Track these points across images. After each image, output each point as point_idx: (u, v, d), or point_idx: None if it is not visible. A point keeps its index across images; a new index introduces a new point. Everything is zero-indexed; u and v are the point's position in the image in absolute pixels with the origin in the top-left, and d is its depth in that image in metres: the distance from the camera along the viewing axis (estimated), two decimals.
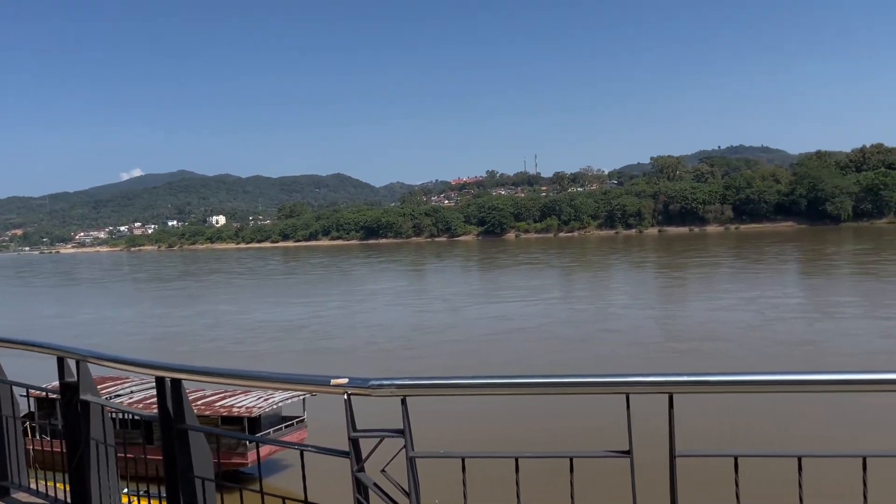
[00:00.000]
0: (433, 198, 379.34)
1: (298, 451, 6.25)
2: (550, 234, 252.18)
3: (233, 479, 31.07)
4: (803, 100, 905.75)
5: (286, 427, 34.39)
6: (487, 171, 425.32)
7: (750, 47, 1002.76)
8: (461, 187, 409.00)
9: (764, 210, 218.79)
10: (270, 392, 33.85)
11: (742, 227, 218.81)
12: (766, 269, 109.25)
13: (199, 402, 32.58)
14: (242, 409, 32.39)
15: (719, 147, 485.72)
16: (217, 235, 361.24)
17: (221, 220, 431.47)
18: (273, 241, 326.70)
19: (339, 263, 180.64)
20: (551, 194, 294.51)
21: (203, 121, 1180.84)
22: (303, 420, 34.85)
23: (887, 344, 50.53)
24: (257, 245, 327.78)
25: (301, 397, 34.11)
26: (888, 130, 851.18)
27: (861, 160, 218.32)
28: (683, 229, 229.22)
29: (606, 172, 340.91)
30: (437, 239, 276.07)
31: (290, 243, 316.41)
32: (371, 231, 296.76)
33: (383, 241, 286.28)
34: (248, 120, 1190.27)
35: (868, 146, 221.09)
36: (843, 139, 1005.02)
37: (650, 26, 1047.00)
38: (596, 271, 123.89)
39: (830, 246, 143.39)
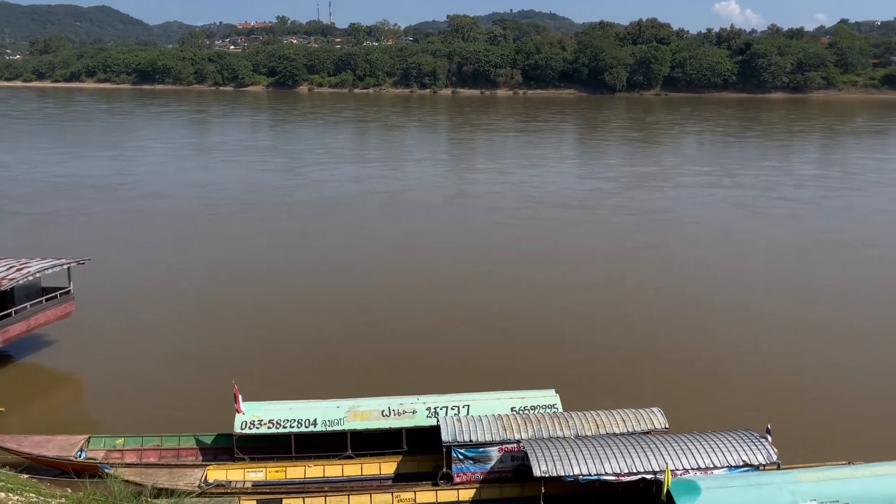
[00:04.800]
0: (217, 42, 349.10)
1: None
2: (345, 90, 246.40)
3: None
4: None
5: (48, 300, 31.31)
6: (278, 17, 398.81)
7: None
8: (249, 32, 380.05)
9: (550, 76, 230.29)
10: (25, 260, 31.43)
11: (529, 92, 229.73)
12: (597, 137, 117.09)
13: None
14: None
15: (511, 10, 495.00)
16: None
17: None
18: (25, 80, 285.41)
19: (136, 111, 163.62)
20: (346, 47, 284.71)
21: None
22: (68, 292, 32.17)
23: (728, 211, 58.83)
24: (6, 83, 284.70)
25: (65, 266, 31.74)
26: (662, 6, 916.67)
27: (637, 33, 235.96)
28: (476, 92, 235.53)
29: (403, 28, 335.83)
30: (221, 88, 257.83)
31: (47, 83, 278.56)
32: (145, 75, 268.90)
33: (160, 86, 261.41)
34: None
35: (644, 20, 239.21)
36: (622, 12, 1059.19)
37: None
38: (431, 133, 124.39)
39: (648, 115, 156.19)
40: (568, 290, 39.23)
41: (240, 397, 22.60)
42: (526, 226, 53.92)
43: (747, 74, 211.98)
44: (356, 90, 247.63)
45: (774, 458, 20.48)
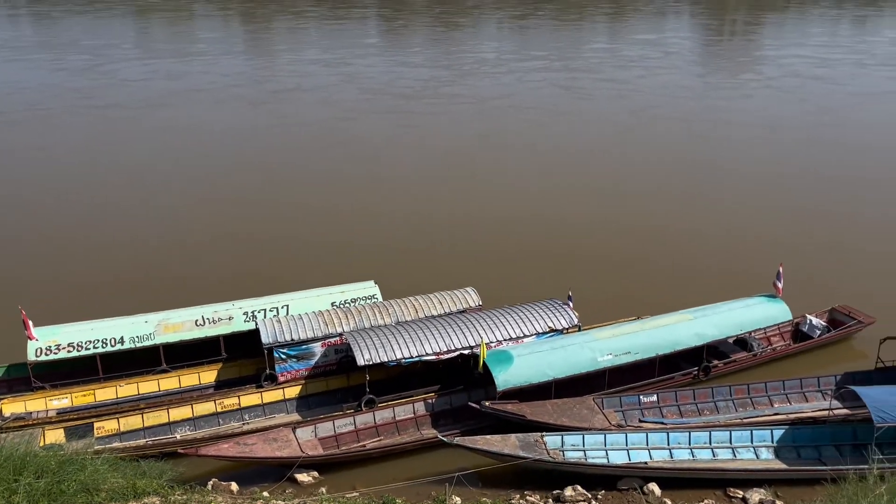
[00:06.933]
0: None
1: None
2: None
3: None
4: None
5: None
6: None
7: None
8: None
9: None
10: None
11: None
12: (422, 24, 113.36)
13: None
14: None
15: None
16: None
17: None
18: None
19: None
20: None
21: None
22: None
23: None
24: None
25: None
26: None
27: None
28: None
29: None
30: None
31: None
32: None
33: None
34: None
35: None
36: None
37: None
38: (239, 23, 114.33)
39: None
40: (395, 185, 39.02)
41: (30, 323, 20.60)
42: (363, 120, 52.53)
43: None
44: None
45: (576, 321, 22.34)
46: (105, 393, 21.20)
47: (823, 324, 24.81)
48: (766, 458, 18.76)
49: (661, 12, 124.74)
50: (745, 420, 20.38)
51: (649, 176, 40.39)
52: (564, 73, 69.69)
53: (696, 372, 22.46)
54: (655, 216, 34.93)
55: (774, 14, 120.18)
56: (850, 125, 50.92)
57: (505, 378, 19.72)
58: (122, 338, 21.32)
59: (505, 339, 21.42)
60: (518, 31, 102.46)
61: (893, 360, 22.25)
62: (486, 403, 19.55)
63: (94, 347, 21.07)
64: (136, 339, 21.44)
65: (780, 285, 23.37)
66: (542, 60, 75.75)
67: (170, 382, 21.88)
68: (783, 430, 19.25)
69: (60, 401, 20.72)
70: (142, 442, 19.14)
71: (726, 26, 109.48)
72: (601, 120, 52.22)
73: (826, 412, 20.26)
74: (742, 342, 23.92)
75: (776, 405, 21.37)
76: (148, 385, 21.64)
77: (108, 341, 21.18)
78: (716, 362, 22.92)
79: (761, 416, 20.69)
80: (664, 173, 40.92)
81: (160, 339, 21.64)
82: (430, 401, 20.91)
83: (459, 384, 21.39)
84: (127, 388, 21.43)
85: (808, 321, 24.82)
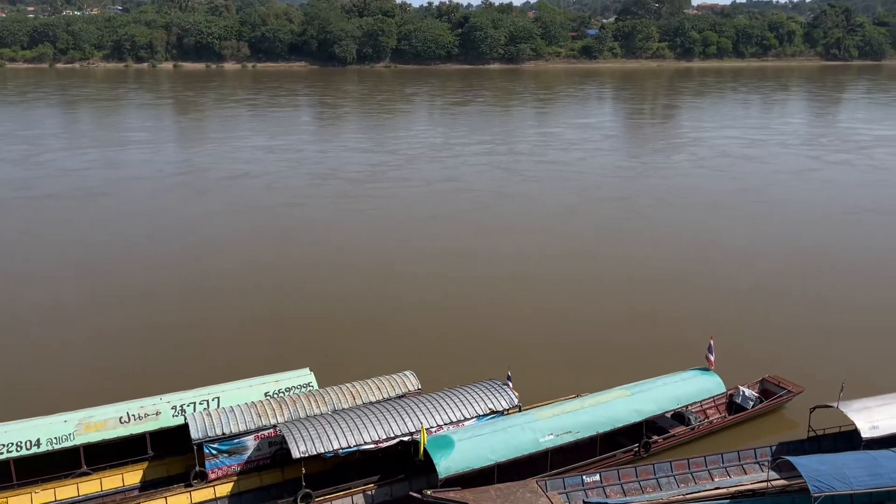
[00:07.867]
0: None
1: None
2: (45, 65, 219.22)
3: None
4: None
5: None
6: None
7: None
8: None
9: (279, 49, 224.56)
10: None
11: (259, 65, 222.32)
12: (365, 111, 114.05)
13: None
14: None
15: None
16: None
17: None
18: None
19: None
20: (42, 17, 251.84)
21: None
22: None
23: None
24: None
25: None
26: None
27: (363, 6, 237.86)
28: (200, 65, 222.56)
29: None
30: None
31: None
32: None
33: None
34: None
35: None
36: None
37: None
38: (179, 110, 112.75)
39: (404, 87, 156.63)
40: (334, 269, 38.63)
41: None
42: (308, 205, 52.35)
43: (468, 46, 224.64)
44: (59, 65, 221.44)
45: (516, 401, 22.16)
46: (18, 501, 19.69)
47: (756, 394, 25.33)
48: None
49: (589, 97, 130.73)
50: (687, 496, 20.30)
51: (584, 256, 41.36)
52: (508, 156, 71.67)
53: (637, 448, 22.44)
54: (590, 295, 35.54)
55: (698, 98, 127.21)
56: (774, 202, 53.45)
57: (446, 465, 19.24)
58: (38, 440, 20.00)
59: (445, 423, 21.02)
60: (460, 116, 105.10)
61: (824, 429, 22.77)
62: (428, 492, 18.97)
63: (7, 452, 19.68)
64: (54, 441, 20.13)
65: (711, 358, 23.84)
66: (487, 144, 77.69)
67: (90, 486, 20.50)
68: None
69: None
70: None
71: (649, 109, 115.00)
72: (543, 203, 53.35)
73: (765, 484, 20.42)
74: (679, 416, 24.12)
75: (716, 479, 21.46)
76: (66, 490, 20.22)
77: (22, 444, 19.82)
78: (656, 438, 22.97)
79: (703, 490, 20.67)
80: (598, 253, 41.98)
81: (81, 440, 20.38)
82: (369, 492, 20.17)
83: (400, 473, 20.76)
84: (43, 495, 19.96)
85: (741, 392, 25.30)
